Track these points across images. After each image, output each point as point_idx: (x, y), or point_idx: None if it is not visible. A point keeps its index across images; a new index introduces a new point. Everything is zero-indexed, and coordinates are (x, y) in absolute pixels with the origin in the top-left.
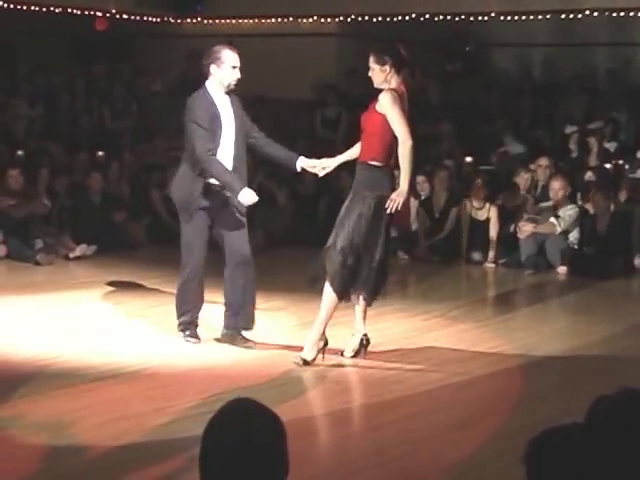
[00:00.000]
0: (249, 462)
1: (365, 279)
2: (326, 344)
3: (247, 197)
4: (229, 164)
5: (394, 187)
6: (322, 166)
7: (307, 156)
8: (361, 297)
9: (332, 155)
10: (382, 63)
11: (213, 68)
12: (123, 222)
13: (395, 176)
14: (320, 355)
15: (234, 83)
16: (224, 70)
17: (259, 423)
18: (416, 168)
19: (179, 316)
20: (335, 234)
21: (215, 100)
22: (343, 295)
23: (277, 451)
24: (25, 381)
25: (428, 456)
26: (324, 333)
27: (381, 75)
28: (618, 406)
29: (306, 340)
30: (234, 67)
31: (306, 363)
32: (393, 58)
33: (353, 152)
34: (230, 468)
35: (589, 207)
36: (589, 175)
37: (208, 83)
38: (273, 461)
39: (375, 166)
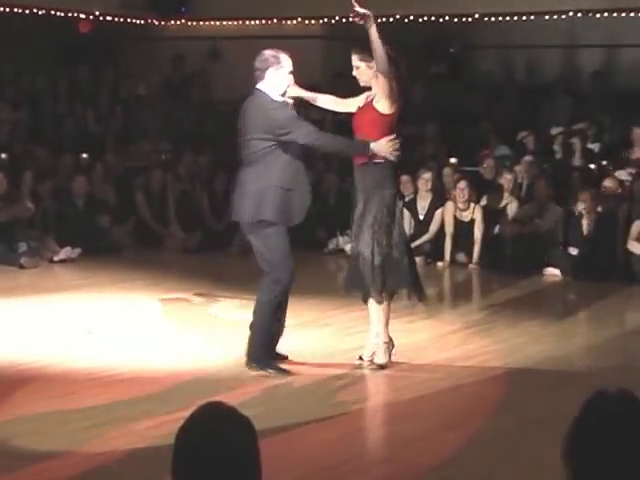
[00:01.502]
0: (225, 466)
1: (402, 276)
2: (393, 346)
3: (382, 146)
4: (301, 168)
5: (399, 184)
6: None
7: None
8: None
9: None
10: (368, 60)
11: (270, 72)
12: (108, 225)
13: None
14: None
15: (286, 90)
16: (282, 74)
17: (232, 426)
18: (400, 169)
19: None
20: (356, 241)
21: None
22: (387, 291)
23: (251, 454)
24: (8, 385)
25: (417, 457)
26: (389, 335)
27: (368, 72)
28: (616, 409)
29: (376, 347)
30: (291, 72)
31: (381, 367)
32: None
33: (319, 98)
34: (205, 473)
35: (573, 208)
36: (573, 176)
37: (263, 87)
38: (248, 464)
39: (378, 164)
